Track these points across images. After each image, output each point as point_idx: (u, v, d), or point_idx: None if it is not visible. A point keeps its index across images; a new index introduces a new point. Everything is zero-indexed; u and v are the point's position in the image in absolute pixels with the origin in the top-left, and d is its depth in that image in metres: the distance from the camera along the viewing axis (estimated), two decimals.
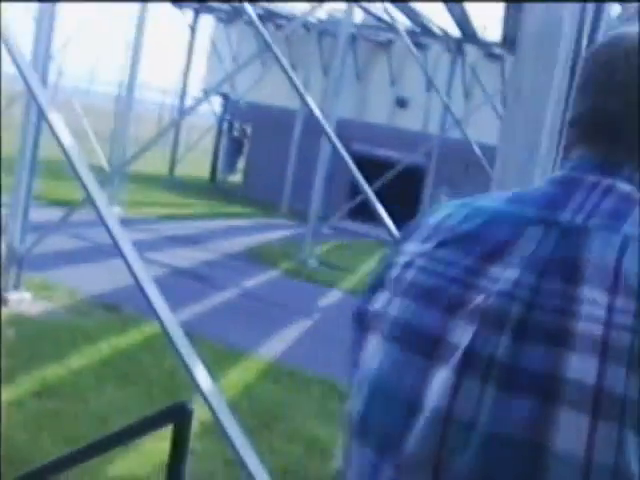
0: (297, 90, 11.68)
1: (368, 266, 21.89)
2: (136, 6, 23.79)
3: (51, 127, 7.58)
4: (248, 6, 12.63)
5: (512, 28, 25.40)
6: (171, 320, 6.43)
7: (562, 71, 4.95)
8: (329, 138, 11.76)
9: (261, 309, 14.80)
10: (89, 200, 7.07)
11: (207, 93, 25.07)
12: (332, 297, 17.19)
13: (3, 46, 8.06)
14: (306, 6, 27.66)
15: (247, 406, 9.39)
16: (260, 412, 9.26)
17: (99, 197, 7.08)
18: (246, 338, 12.34)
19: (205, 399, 6.11)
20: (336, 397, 10.33)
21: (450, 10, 23.95)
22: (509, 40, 27.29)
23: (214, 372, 10.47)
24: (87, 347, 10.37)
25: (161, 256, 17.50)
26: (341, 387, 10.72)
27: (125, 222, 20.70)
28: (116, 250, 6.95)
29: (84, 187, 7.08)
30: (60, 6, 11.84)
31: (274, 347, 12.29)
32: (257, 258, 19.63)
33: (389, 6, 22.49)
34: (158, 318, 6.39)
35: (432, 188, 29.94)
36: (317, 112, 11.60)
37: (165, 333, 6.40)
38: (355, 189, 25.68)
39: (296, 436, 8.86)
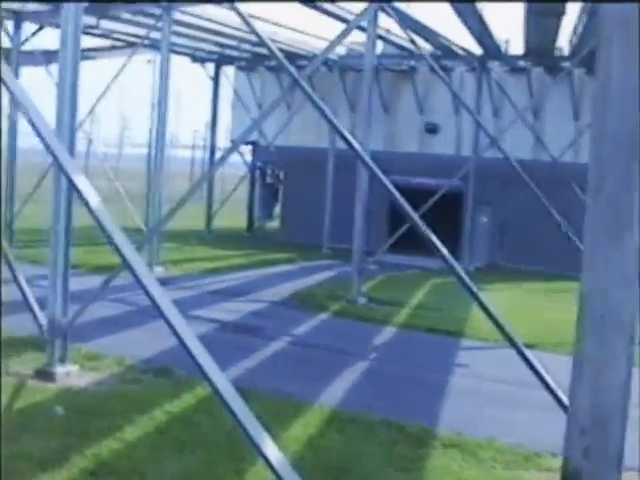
0: (333, 126, 11.29)
1: (417, 298, 21.40)
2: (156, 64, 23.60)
3: (79, 192, 7.22)
4: (273, 48, 12.27)
5: (535, 38, 25.03)
6: (221, 379, 5.99)
7: None
8: (370, 168, 11.35)
9: (315, 356, 14.33)
10: (125, 263, 6.69)
11: (235, 142, 24.70)
12: (386, 334, 16.69)
13: (25, 117, 7.78)
14: (325, 44, 27.50)
15: (313, 460, 8.91)
16: (328, 465, 8.76)
17: (135, 259, 6.69)
18: (303, 388, 11.86)
19: (268, 464, 5.65)
20: (405, 441, 9.83)
21: (470, 27, 23.54)
22: (532, 51, 26.89)
23: (274, 427, 10.00)
24: (140, 416, 9.93)
25: (207, 312, 17.12)
26: (409, 429, 10.23)
27: (167, 281, 20.56)
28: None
29: (117, 250, 6.70)
30: (82, 71, 11.52)
31: (333, 394, 11.79)
32: (304, 303, 19.19)
33: (410, 32, 22.11)
34: (207, 379, 5.96)
35: (472, 211, 29.41)
36: (356, 144, 11.20)
37: (217, 394, 5.96)
38: (394, 221, 25.55)
39: None
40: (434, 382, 13.12)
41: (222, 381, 6.02)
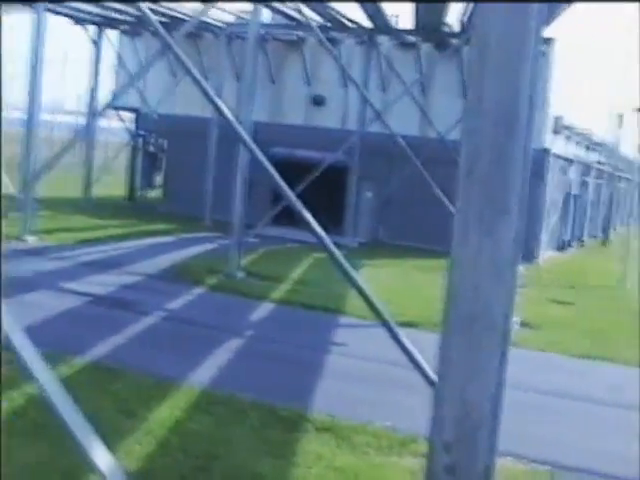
0: (208, 97, 10.76)
1: (297, 273, 21.06)
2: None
3: None
4: (150, 14, 11.65)
5: (424, 14, 24.81)
6: (48, 377, 5.26)
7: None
8: (245, 144, 10.83)
9: (189, 332, 13.81)
10: None
11: (108, 105, 23.79)
12: (263, 310, 16.28)
13: None
14: (212, 11, 26.80)
15: (180, 445, 8.45)
16: (195, 452, 8.30)
17: None
18: (174, 366, 11.37)
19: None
20: (277, 424, 9.42)
21: (360, 1, 23.18)
22: (422, 27, 26.69)
23: (139, 408, 9.54)
24: None
25: (79, 285, 16.42)
26: (282, 412, 9.84)
27: (40, 251, 19.76)
28: None
29: None
30: None
31: (205, 374, 11.32)
32: (182, 276, 18.61)
33: (299, 2, 21.63)
34: (31, 377, 5.19)
35: (356, 185, 29.17)
36: (231, 117, 10.69)
37: (43, 393, 5.23)
38: (277, 194, 24.98)
39: (238, 478, 7.92)
40: (310, 362, 12.77)
41: (49, 380, 5.34)
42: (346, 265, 8.81)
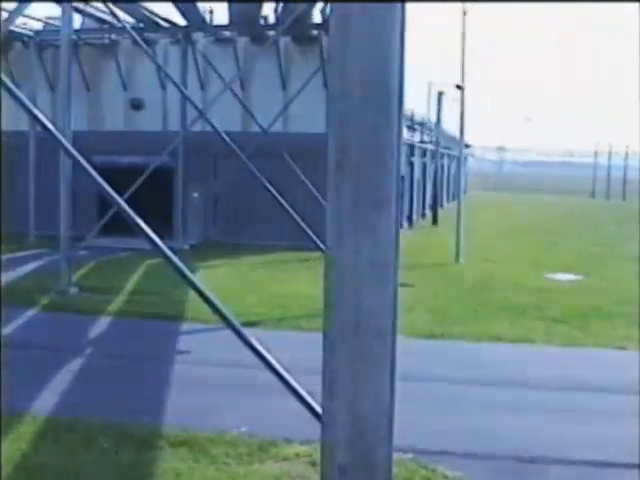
0: (25, 108, 10.15)
1: (132, 283, 20.51)
2: None
3: None
4: None
5: (238, 7, 24.53)
6: None
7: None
8: (68, 153, 10.28)
9: (26, 357, 13.04)
10: None
11: None
12: (101, 325, 15.69)
13: None
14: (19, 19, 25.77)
15: None
16: None
17: None
18: (13, 396, 10.70)
19: None
20: (129, 445, 8.98)
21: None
22: (237, 20, 26.41)
23: None
24: None
25: None
26: (133, 431, 9.40)
27: None
28: None
29: None
30: None
31: (48, 400, 10.74)
32: (11, 299, 17.68)
33: (110, 4, 21.00)
34: None
35: (183, 187, 28.67)
36: (51, 127, 10.13)
37: None
38: (104, 203, 24.34)
39: None
40: (156, 374, 12.32)
41: None
42: (182, 268, 8.45)
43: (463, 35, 26.73)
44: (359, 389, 4.08)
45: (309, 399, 6.64)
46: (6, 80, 9.79)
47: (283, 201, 17.81)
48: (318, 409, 6.44)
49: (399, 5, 3.84)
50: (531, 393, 11.78)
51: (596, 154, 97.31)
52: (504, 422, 10.35)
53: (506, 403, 11.25)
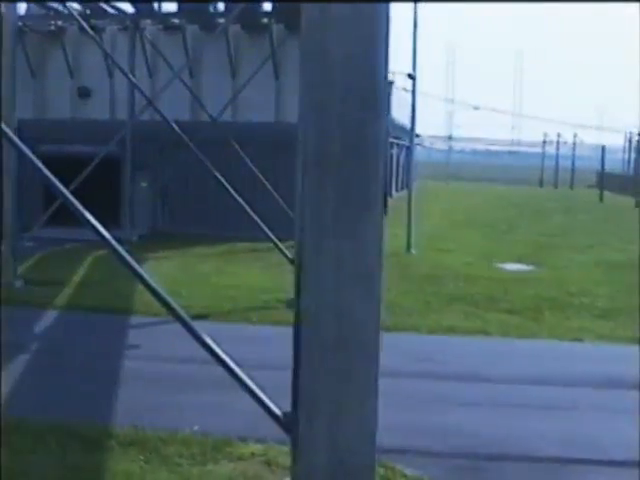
0: None
1: (80, 275, 20.12)
2: None
3: None
4: None
5: None
6: None
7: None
8: (11, 142, 9.93)
9: None
10: None
11: None
12: (47, 319, 15.30)
13: None
14: None
15: None
16: None
17: None
18: None
19: None
20: (78, 446, 8.68)
21: None
22: (186, 8, 26.04)
23: None
24: None
25: None
26: (81, 430, 9.10)
27: None
28: None
29: None
30: None
31: None
32: None
33: None
34: None
35: (130, 177, 28.23)
36: None
37: None
38: (50, 193, 23.84)
39: None
40: (104, 370, 11.99)
41: None
42: (131, 261, 8.15)
43: (415, 24, 26.55)
44: (341, 411, 3.77)
45: (263, 396, 6.40)
46: None
47: (232, 191, 17.51)
48: (272, 407, 6.21)
49: None
50: (487, 387, 11.65)
51: (544, 144, 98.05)
52: (460, 418, 10.19)
53: (462, 398, 11.10)
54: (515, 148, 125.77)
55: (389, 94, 43.24)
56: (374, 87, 3.57)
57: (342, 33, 3.55)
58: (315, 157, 3.57)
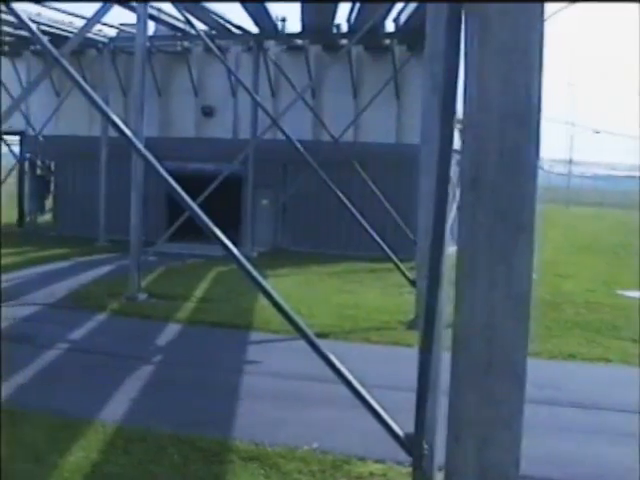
0: (101, 111, 10.08)
1: (201, 290, 20.43)
2: None
3: None
4: (32, 27, 10.88)
5: (311, 15, 24.41)
6: None
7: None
8: (143, 156, 10.18)
9: (94, 363, 13.03)
10: None
11: None
12: (170, 332, 15.57)
13: None
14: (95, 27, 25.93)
15: None
16: None
17: None
18: (83, 403, 10.66)
19: None
20: (199, 458, 8.82)
21: (244, 5, 22.65)
22: (309, 29, 26.29)
23: (50, 454, 8.84)
24: None
25: None
26: (203, 443, 9.25)
27: None
28: None
29: None
30: None
31: (117, 408, 10.63)
32: (81, 303, 17.76)
33: (183, 11, 21.00)
34: None
35: (252, 195, 28.59)
36: (126, 130, 10.03)
37: None
38: (174, 209, 24.44)
39: None
40: (225, 384, 12.13)
41: None
42: (257, 276, 8.28)
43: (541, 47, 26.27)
44: (489, 436, 3.77)
45: (386, 416, 6.42)
46: (84, 85, 9.74)
47: (353, 209, 17.58)
48: (395, 427, 6.22)
49: (539, 5, 3.57)
50: (609, 415, 11.41)
51: None
52: (579, 446, 10.01)
53: (582, 426, 10.90)
54: (636, 173, 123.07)
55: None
56: (529, 111, 3.58)
57: (499, 58, 3.57)
58: (470, 179, 3.59)
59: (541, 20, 3.62)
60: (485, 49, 3.63)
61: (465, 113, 3.77)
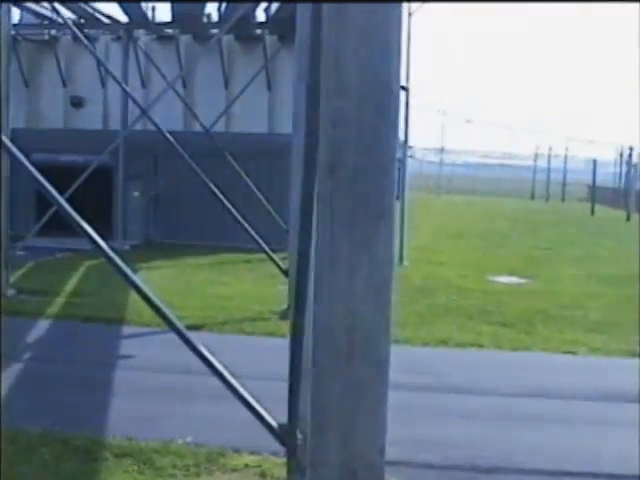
0: None
1: (72, 284, 20.05)
2: None
3: None
4: None
5: (182, 5, 24.18)
6: None
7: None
8: (7, 150, 9.90)
9: None
10: None
11: None
12: (39, 329, 15.22)
13: None
14: None
15: None
16: None
17: None
18: None
19: None
20: (71, 456, 8.63)
21: None
22: (180, 18, 26.05)
23: None
24: None
25: None
26: (75, 441, 9.05)
27: None
28: None
29: None
30: None
31: None
32: None
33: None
34: None
35: (122, 187, 28.17)
36: None
37: None
38: (43, 203, 23.85)
39: None
40: (98, 380, 11.93)
41: None
42: (125, 269, 8.12)
43: (408, 36, 26.59)
44: (353, 425, 3.74)
45: (259, 407, 6.37)
46: None
47: (225, 201, 17.47)
48: (268, 418, 6.18)
49: None
50: (482, 400, 11.63)
51: (536, 156, 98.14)
52: (456, 430, 10.17)
53: (458, 410, 11.08)
54: (507, 161, 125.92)
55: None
56: (388, 96, 3.56)
57: (357, 44, 3.54)
58: (328, 167, 3.55)
59: (399, 3, 3.60)
60: (342, 33, 3.60)
61: (323, 98, 3.73)
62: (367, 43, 3.56)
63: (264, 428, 6.16)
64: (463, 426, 10.37)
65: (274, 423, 6.10)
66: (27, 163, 9.25)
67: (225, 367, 7.08)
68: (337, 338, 3.76)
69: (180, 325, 7.96)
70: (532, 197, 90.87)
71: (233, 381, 7.36)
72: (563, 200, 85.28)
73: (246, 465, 8.58)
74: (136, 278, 7.91)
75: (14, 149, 9.61)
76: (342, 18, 3.61)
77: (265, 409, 6.23)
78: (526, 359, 14.22)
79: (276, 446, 6.42)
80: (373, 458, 3.84)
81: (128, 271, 8.05)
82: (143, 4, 25.56)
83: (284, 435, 5.83)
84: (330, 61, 3.64)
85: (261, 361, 12.72)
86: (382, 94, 3.58)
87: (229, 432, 9.44)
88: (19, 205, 23.47)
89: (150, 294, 8.03)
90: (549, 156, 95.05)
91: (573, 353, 14.53)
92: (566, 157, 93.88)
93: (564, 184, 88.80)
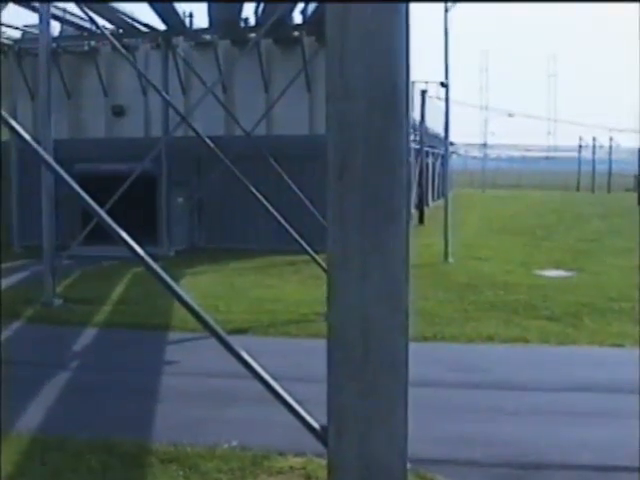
0: (1, 119, 9.85)
1: (118, 292, 20.20)
2: None
3: None
4: None
5: (218, 10, 24.27)
6: None
7: None
8: (47, 164, 10.00)
9: (9, 373, 12.71)
10: None
11: None
12: (87, 337, 15.38)
13: None
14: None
15: None
16: None
17: None
18: None
19: None
20: (117, 463, 8.71)
21: (151, 3, 22.45)
22: (217, 23, 26.14)
23: None
24: None
25: None
26: (121, 447, 9.13)
27: None
28: None
29: None
30: None
31: (33, 418, 10.44)
32: None
33: (88, 11, 20.67)
34: None
35: (166, 193, 28.34)
36: (28, 138, 9.83)
37: None
38: (88, 212, 23.84)
39: None
40: (144, 386, 12.03)
41: None
42: (165, 277, 8.16)
43: (446, 32, 26.46)
44: (371, 428, 3.72)
45: (300, 410, 6.37)
46: None
47: (268, 204, 17.50)
48: (310, 420, 6.18)
49: None
50: (530, 395, 11.55)
51: (580, 148, 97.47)
52: (504, 427, 10.11)
53: (506, 407, 11.01)
54: (551, 154, 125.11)
55: (423, 103, 43.16)
56: (395, 98, 3.55)
57: (360, 45, 3.53)
58: (338, 169, 3.56)
59: (404, 3, 3.58)
60: (347, 34, 3.59)
61: (329, 101, 3.73)
62: (371, 45, 3.55)
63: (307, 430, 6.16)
64: (510, 423, 10.31)
65: (316, 425, 6.10)
66: (66, 176, 9.36)
67: (267, 370, 7.10)
68: (351, 341, 3.75)
69: (220, 330, 7.99)
70: (577, 189, 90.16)
71: (274, 384, 7.38)
72: (609, 191, 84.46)
73: (291, 467, 8.60)
74: (175, 284, 7.97)
75: (54, 164, 9.72)
76: (345, 20, 3.60)
77: (309, 412, 6.23)
78: (573, 353, 14.11)
79: (321, 448, 6.42)
80: (392, 462, 3.82)
81: (168, 279, 8.10)
82: (180, 11, 25.64)
83: (326, 436, 5.83)
84: (335, 63, 3.64)
85: (306, 364, 12.72)
86: (389, 95, 3.57)
87: (275, 435, 9.46)
88: (65, 215, 23.71)
89: (189, 300, 8.08)
90: (593, 147, 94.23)
91: (620, 346, 14.39)
92: (611, 147, 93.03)
93: (609, 175, 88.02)
